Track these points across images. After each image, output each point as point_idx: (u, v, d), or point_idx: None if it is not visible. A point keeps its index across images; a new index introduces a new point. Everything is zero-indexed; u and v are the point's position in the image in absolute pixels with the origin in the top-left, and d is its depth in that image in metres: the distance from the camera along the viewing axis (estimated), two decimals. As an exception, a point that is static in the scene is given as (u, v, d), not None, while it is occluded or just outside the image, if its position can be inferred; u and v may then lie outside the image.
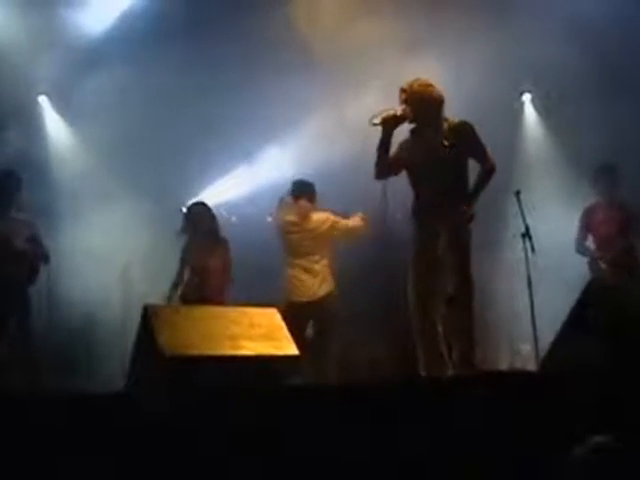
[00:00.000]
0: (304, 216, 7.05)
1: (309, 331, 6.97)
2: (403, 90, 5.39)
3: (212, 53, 8.30)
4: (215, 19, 8.29)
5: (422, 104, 5.32)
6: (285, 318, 6.44)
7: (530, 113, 8.81)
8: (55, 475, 3.54)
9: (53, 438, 3.63)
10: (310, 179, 7.20)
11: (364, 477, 3.64)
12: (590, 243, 7.30)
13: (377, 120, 5.31)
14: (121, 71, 8.22)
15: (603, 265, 7.09)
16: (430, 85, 5.39)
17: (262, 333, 4.94)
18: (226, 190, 8.86)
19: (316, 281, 6.98)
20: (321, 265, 7.03)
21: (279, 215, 7.23)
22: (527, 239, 6.13)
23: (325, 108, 8.14)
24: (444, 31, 7.75)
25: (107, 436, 3.65)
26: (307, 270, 7.00)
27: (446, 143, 5.24)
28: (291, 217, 7.10)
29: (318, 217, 7.08)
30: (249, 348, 4.77)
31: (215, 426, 3.73)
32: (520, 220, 6.12)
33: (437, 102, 5.36)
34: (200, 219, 7.30)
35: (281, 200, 7.24)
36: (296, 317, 6.56)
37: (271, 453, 3.64)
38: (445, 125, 5.34)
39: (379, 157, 5.39)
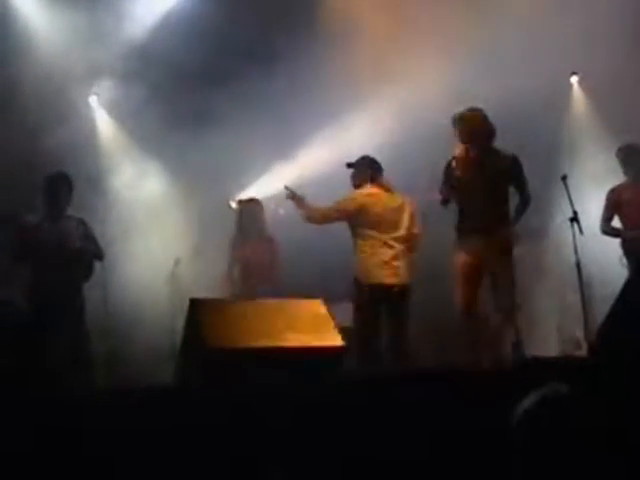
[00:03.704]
0: (387, 188, 6.52)
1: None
2: (460, 118, 5.96)
3: (260, 44, 8.37)
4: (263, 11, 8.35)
5: (477, 131, 5.92)
6: (359, 303, 6.41)
7: (578, 95, 8.66)
8: (113, 467, 3.63)
9: (108, 434, 3.71)
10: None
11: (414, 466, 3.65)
12: (617, 224, 7.04)
13: (453, 163, 5.94)
14: (169, 68, 8.30)
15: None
16: (485, 117, 5.96)
17: (307, 324, 4.96)
18: (274, 182, 8.88)
19: (402, 263, 6.41)
20: (406, 247, 6.46)
21: (354, 194, 6.56)
22: (575, 223, 6.09)
23: (378, 98, 8.11)
24: (491, 15, 7.67)
25: (156, 429, 3.73)
26: (393, 250, 6.37)
27: (499, 170, 5.85)
28: (372, 189, 6.48)
29: (398, 193, 6.58)
30: (294, 340, 4.81)
31: (260, 418, 3.78)
32: (568, 205, 6.11)
33: (489, 132, 5.95)
34: (249, 215, 7.38)
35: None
36: (374, 302, 6.36)
37: (315, 446, 3.67)
38: (498, 154, 5.95)
39: (446, 189, 5.99)
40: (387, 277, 6.33)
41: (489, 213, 5.80)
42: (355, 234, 6.47)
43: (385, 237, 6.37)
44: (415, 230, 6.49)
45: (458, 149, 5.97)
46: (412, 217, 6.49)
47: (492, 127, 5.96)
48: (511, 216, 5.89)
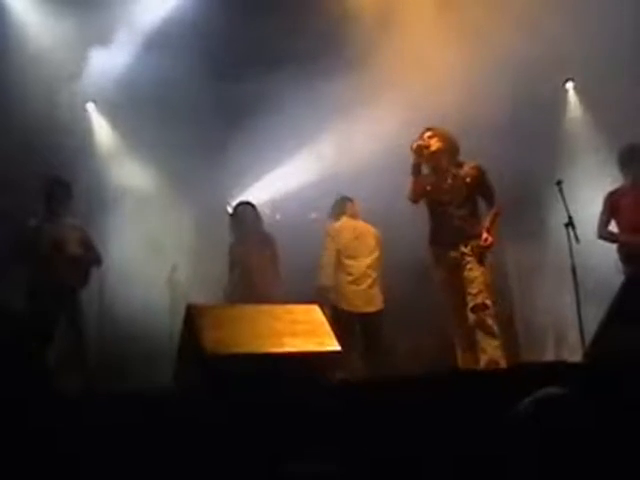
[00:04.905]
0: (357, 215, 7.27)
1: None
2: (429, 128, 6.06)
3: (259, 51, 8.38)
4: (265, 15, 8.37)
5: (446, 145, 6.01)
6: (337, 321, 6.62)
7: (573, 101, 8.69)
8: (107, 469, 3.64)
9: (104, 436, 3.73)
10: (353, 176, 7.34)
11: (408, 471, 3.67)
12: (614, 229, 6.90)
13: (414, 145, 5.95)
14: (164, 70, 8.31)
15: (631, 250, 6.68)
16: (449, 134, 6.09)
17: (304, 329, 4.97)
18: (270, 188, 8.92)
19: (377, 290, 7.05)
20: (377, 273, 7.09)
21: (329, 226, 7.28)
22: (571, 229, 6.13)
23: (370, 106, 8.14)
24: (488, 21, 7.69)
25: (151, 434, 3.75)
26: (370, 278, 7.03)
27: (468, 180, 5.92)
28: (346, 222, 7.24)
29: (365, 222, 7.30)
30: (292, 345, 4.81)
31: (257, 423, 3.80)
32: (564, 210, 6.16)
33: (456, 147, 6.06)
34: (244, 219, 7.40)
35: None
36: (347, 328, 6.68)
37: (313, 449, 3.69)
38: (463, 166, 6.01)
39: (413, 180, 6.01)
40: (365, 306, 6.96)
41: (460, 225, 5.90)
42: (338, 266, 7.04)
43: (361, 265, 7.01)
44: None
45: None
46: (379, 243, 7.19)
47: (456, 141, 6.10)
48: (484, 226, 5.91)
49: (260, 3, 8.48)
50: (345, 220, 7.22)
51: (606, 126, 7.80)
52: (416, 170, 6.00)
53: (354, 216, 7.26)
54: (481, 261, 5.81)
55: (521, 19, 7.50)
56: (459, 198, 5.94)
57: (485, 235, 5.81)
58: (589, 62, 7.45)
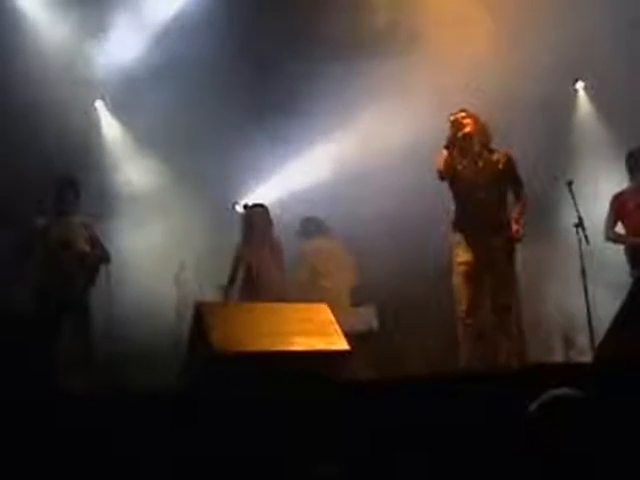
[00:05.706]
0: (330, 235, 7.60)
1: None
2: (464, 110, 5.89)
3: (277, 47, 8.38)
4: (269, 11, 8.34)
5: (479, 128, 5.85)
6: None
7: (584, 101, 8.66)
8: (113, 467, 3.65)
9: (110, 435, 3.73)
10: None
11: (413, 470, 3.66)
12: (622, 230, 6.88)
13: (452, 117, 5.82)
14: (174, 68, 8.32)
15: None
16: (482, 119, 5.93)
17: (313, 328, 4.99)
18: (281, 187, 8.90)
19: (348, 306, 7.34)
20: (351, 290, 7.42)
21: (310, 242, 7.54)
22: (581, 229, 6.10)
23: (380, 103, 8.12)
24: (501, 22, 7.69)
25: (158, 433, 3.75)
26: (342, 294, 7.31)
27: (500, 166, 5.80)
28: (320, 242, 7.52)
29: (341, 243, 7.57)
30: (301, 343, 4.83)
31: (264, 421, 3.80)
32: (574, 210, 6.13)
33: (489, 132, 5.92)
34: (254, 220, 7.41)
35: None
36: None
37: (318, 447, 3.68)
38: (495, 153, 5.88)
39: (446, 154, 5.82)
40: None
41: (489, 212, 5.76)
42: (313, 287, 7.32)
43: (334, 285, 7.29)
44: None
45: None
46: (350, 260, 7.46)
47: (489, 127, 5.96)
48: (511, 216, 5.81)
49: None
50: (320, 240, 7.50)
51: (616, 126, 7.80)
52: (451, 143, 5.82)
53: (328, 236, 7.55)
54: (512, 257, 5.73)
55: (531, 20, 7.50)
56: (490, 183, 5.79)
57: (516, 227, 5.71)
58: (598, 62, 7.44)
